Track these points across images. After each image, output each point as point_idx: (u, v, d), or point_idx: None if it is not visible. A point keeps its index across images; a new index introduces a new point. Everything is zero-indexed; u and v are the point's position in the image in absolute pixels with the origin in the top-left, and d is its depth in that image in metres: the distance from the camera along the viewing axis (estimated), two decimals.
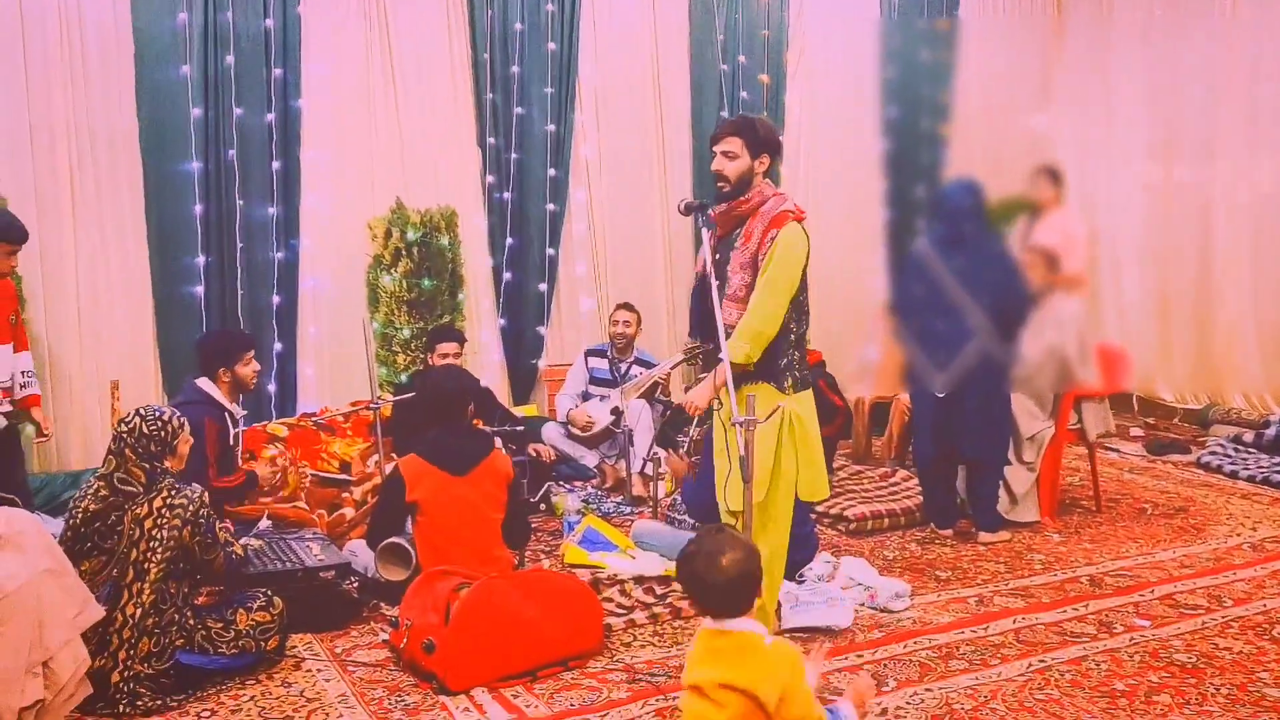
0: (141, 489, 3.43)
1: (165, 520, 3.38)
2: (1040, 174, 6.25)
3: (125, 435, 3.46)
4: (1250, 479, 6.18)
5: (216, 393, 4.57)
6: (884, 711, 3.33)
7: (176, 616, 3.43)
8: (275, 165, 6.15)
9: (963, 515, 5.22)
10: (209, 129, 5.96)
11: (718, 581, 2.53)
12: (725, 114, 7.29)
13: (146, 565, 3.35)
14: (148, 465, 3.45)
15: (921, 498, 5.38)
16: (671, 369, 5.07)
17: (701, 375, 4.02)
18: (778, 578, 3.81)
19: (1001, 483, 5.20)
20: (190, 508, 3.42)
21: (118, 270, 5.88)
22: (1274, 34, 7.07)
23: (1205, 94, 7.48)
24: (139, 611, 3.33)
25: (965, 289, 4.84)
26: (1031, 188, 6.29)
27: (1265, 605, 4.21)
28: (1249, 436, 6.84)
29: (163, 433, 3.50)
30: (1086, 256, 6.27)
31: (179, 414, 3.61)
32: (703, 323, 3.76)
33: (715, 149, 3.64)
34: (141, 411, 3.53)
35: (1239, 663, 3.67)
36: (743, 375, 3.56)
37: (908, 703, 3.40)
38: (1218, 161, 7.57)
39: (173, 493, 3.43)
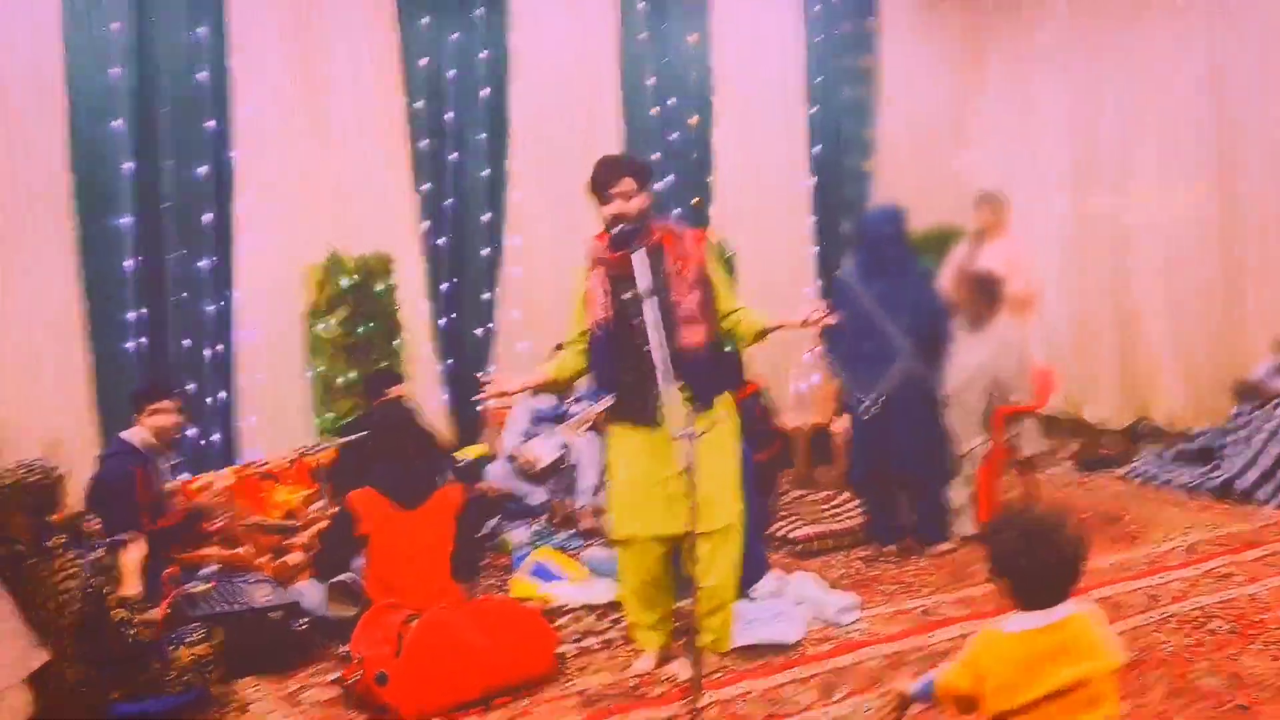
0: (26, 547, 3.28)
1: (55, 592, 3.25)
2: (983, 201, 6.45)
3: (7, 489, 3.31)
4: (1182, 487, 6.33)
5: (141, 441, 4.53)
6: None
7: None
8: (209, 217, 6.12)
9: (907, 532, 5.30)
10: (142, 182, 5.93)
11: (1067, 557, 2.30)
12: (658, 157, 7.41)
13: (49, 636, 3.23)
14: (32, 519, 3.32)
15: (865, 516, 5.46)
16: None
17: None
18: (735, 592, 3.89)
19: None
20: (82, 576, 3.28)
21: (53, 328, 5.75)
22: (1185, 66, 7.36)
23: (1119, 124, 7.75)
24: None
25: (887, 313, 4.97)
26: (975, 215, 6.50)
27: (1201, 602, 4.33)
28: (1176, 449, 7.01)
29: (46, 481, 3.39)
30: (1034, 280, 6.45)
31: (58, 467, 3.49)
32: (613, 373, 3.70)
33: (610, 193, 3.60)
34: (24, 463, 3.41)
35: (1177, 655, 3.78)
36: (715, 386, 3.63)
37: (853, 710, 3.47)
38: (1132, 188, 7.81)
39: (62, 563, 3.29)
